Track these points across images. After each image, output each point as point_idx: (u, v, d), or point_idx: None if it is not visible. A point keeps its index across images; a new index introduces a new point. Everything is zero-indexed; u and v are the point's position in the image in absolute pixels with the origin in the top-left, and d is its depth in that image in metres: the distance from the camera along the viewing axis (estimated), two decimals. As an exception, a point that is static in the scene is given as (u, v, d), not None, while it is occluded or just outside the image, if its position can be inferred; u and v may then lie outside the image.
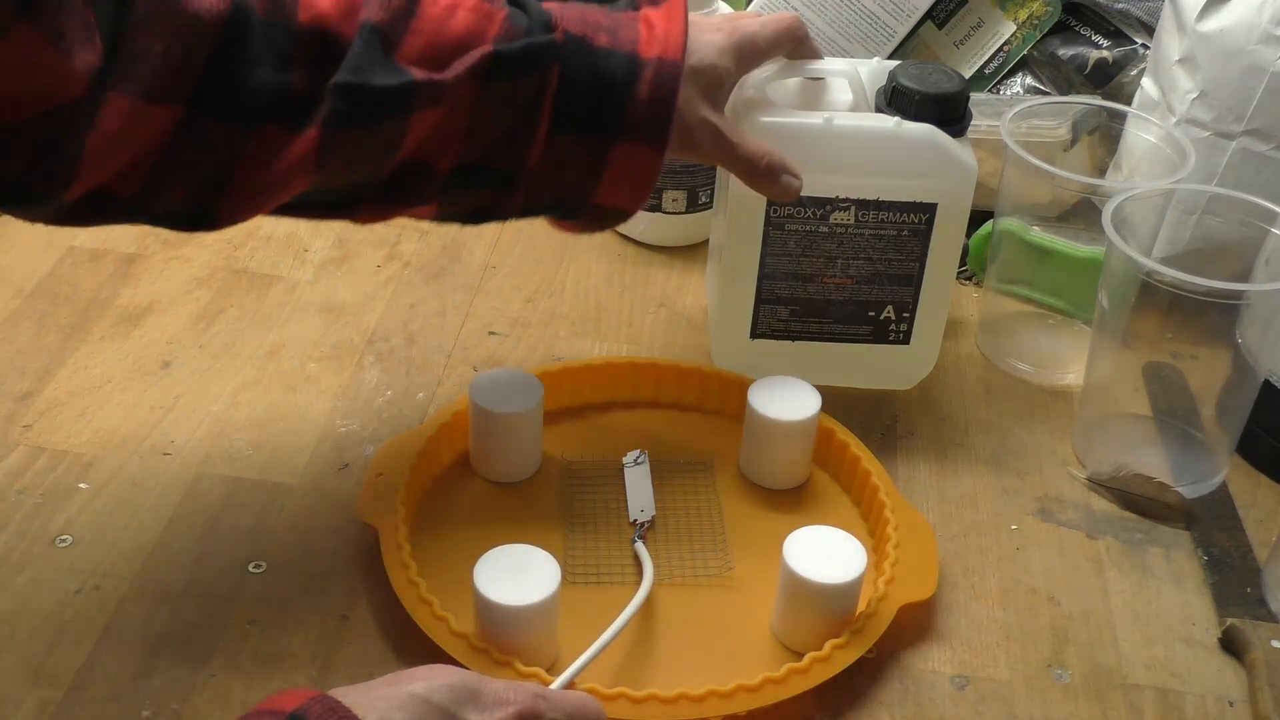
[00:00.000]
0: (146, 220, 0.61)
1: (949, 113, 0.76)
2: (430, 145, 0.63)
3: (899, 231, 0.79)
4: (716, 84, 0.70)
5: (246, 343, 0.86)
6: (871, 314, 0.82)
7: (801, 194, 0.75)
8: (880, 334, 0.83)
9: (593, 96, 0.65)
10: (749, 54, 0.73)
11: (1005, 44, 1.07)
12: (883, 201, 0.78)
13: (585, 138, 0.66)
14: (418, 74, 0.61)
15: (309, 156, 0.60)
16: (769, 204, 0.78)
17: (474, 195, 0.67)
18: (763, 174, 0.72)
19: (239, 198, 0.60)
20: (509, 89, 0.64)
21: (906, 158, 0.77)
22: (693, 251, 0.98)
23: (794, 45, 0.76)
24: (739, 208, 0.79)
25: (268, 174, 0.60)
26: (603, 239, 0.98)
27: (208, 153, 0.59)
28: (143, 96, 0.56)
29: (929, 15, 1.06)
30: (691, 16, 0.70)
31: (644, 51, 0.66)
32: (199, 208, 0.61)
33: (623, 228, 0.97)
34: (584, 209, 0.69)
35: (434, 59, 0.62)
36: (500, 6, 0.65)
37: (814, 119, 0.77)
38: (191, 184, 0.60)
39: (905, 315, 0.82)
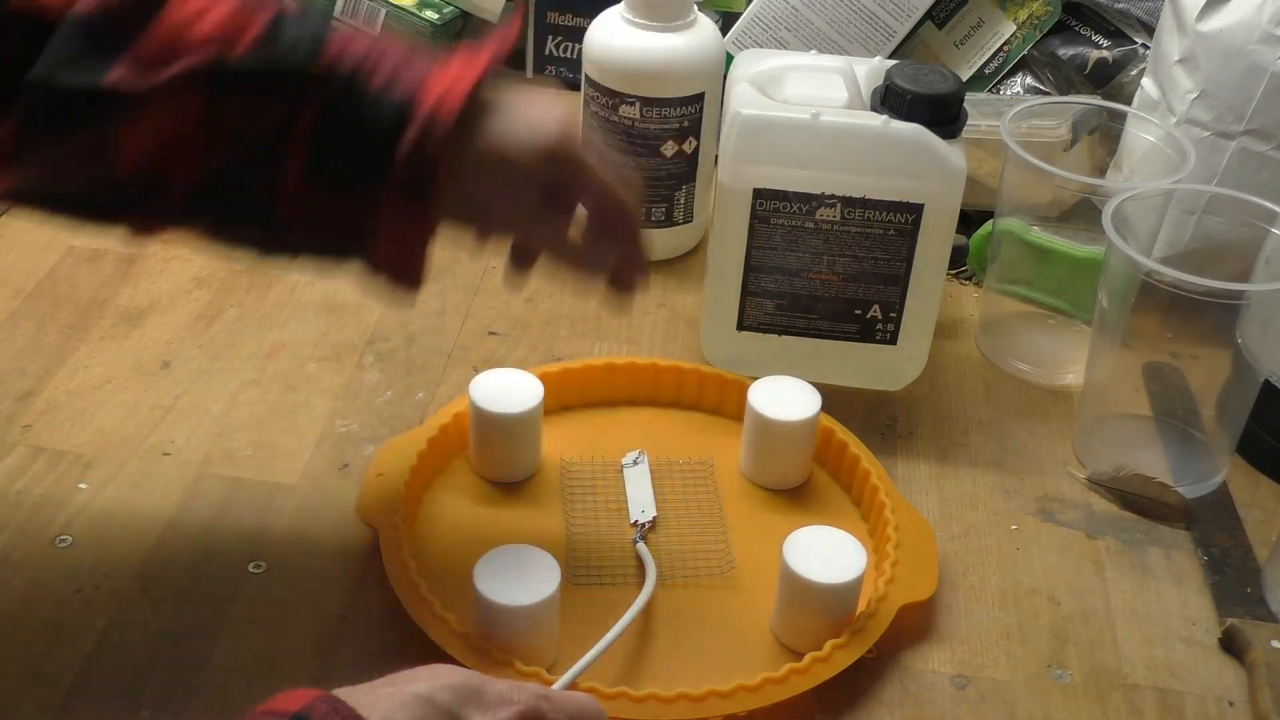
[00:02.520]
0: None
1: (941, 114, 0.76)
2: (158, 156, 0.58)
3: (885, 230, 0.79)
4: (505, 173, 0.62)
5: (246, 343, 0.86)
6: (858, 312, 0.82)
7: (787, 190, 0.76)
8: (867, 333, 0.83)
9: (352, 142, 0.59)
10: (561, 170, 0.63)
11: (1005, 44, 1.07)
12: (869, 200, 0.78)
13: (344, 184, 0.60)
14: (113, 76, 0.56)
15: (4, 152, 0.56)
16: (755, 195, 0.78)
17: (235, 230, 0.63)
18: (545, 229, 0.65)
19: None
20: (245, 108, 0.58)
21: (893, 157, 0.77)
22: (694, 252, 0.98)
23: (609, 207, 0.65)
24: (725, 199, 0.80)
25: None
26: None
27: None
28: None
29: (929, 15, 1.06)
30: (524, 92, 0.63)
31: (420, 101, 0.59)
32: None
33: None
34: (370, 269, 0.63)
35: (159, 66, 0.57)
36: (263, 20, 0.59)
37: (800, 113, 0.77)
38: None
39: (892, 315, 0.82)
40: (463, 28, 1.18)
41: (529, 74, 1.19)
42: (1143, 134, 0.88)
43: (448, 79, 0.60)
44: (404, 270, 0.63)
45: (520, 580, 0.64)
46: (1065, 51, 1.06)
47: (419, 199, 0.60)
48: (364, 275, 0.64)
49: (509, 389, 0.75)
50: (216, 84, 0.57)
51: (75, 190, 0.60)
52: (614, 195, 0.65)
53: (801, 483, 0.78)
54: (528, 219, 0.64)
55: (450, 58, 0.61)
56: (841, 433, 0.78)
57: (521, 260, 0.67)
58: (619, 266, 0.67)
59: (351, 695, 0.50)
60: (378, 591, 0.69)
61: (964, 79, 1.02)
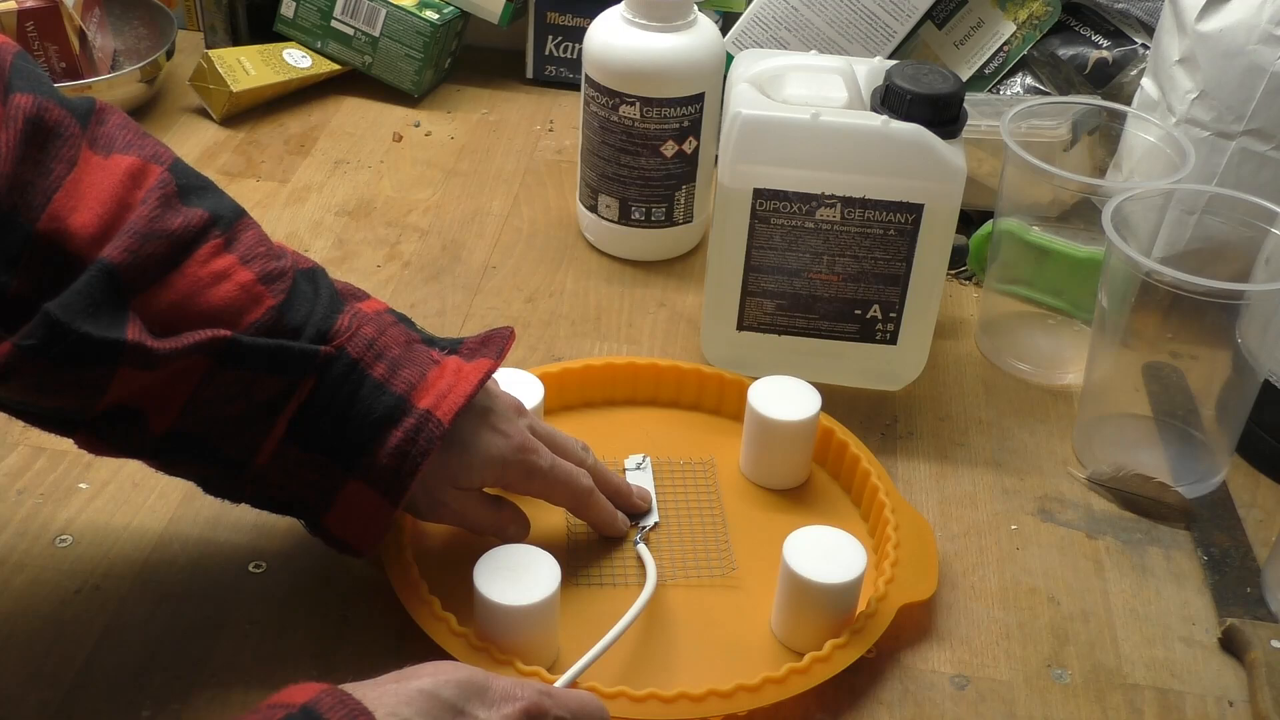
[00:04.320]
0: None
1: (941, 114, 0.76)
2: (141, 401, 0.59)
3: (885, 230, 0.79)
4: (466, 477, 0.66)
5: (246, 343, 0.86)
6: (858, 312, 0.82)
7: (787, 190, 0.77)
8: (867, 333, 0.83)
9: (341, 424, 0.61)
10: (520, 479, 0.67)
11: (1005, 44, 1.07)
12: (869, 200, 0.78)
13: (319, 459, 0.62)
14: (131, 334, 0.56)
15: None
16: (755, 195, 0.78)
17: (195, 468, 0.63)
18: (500, 534, 0.68)
19: None
20: (244, 380, 0.59)
21: (893, 157, 0.77)
22: (694, 252, 0.99)
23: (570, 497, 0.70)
24: (725, 199, 0.80)
25: None
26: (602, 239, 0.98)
27: None
28: None
29: (929, 15, 1.06)
30: (496, 392, 0.67)
31: (417, 398, 0.62)
32: None
33: (593, 240, 0.97)
34: (315, 529, 0.65)
35: (172, 324, 0.58)
36: (278, 293, 0.60)
37: (800, 113, 0.77)
38: None
39: (892, 315, 0.82)
40: (463, 27, 1.18)
41: (529, 74, 1.19)
42: (1143, 134, 0.88)
43: (446, 382, 0.63)
44: (357, 539, 0.65)
45: (520, 580, 0.64)
46: (1065, 51, 1.06)
47: (392, 489, 0.62)
48: (309, 530, 0.66)
49: (509, 389, 0.75)
50: (224, 356, 0.58)
51: (45, 410, 0.60)
52: (562, 491, 0.69)
53: (801, 483, 0.78)
54: (470, 513, 0.68)
55: (447, 359, 0.64)
56: (841, 433, 0.78)
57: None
58: (600, 530, 0.72)
59: (358, 690, 0.50)
60: (378, 591, 0.69)
61: (964, 79, 1.02)
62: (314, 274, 0.64)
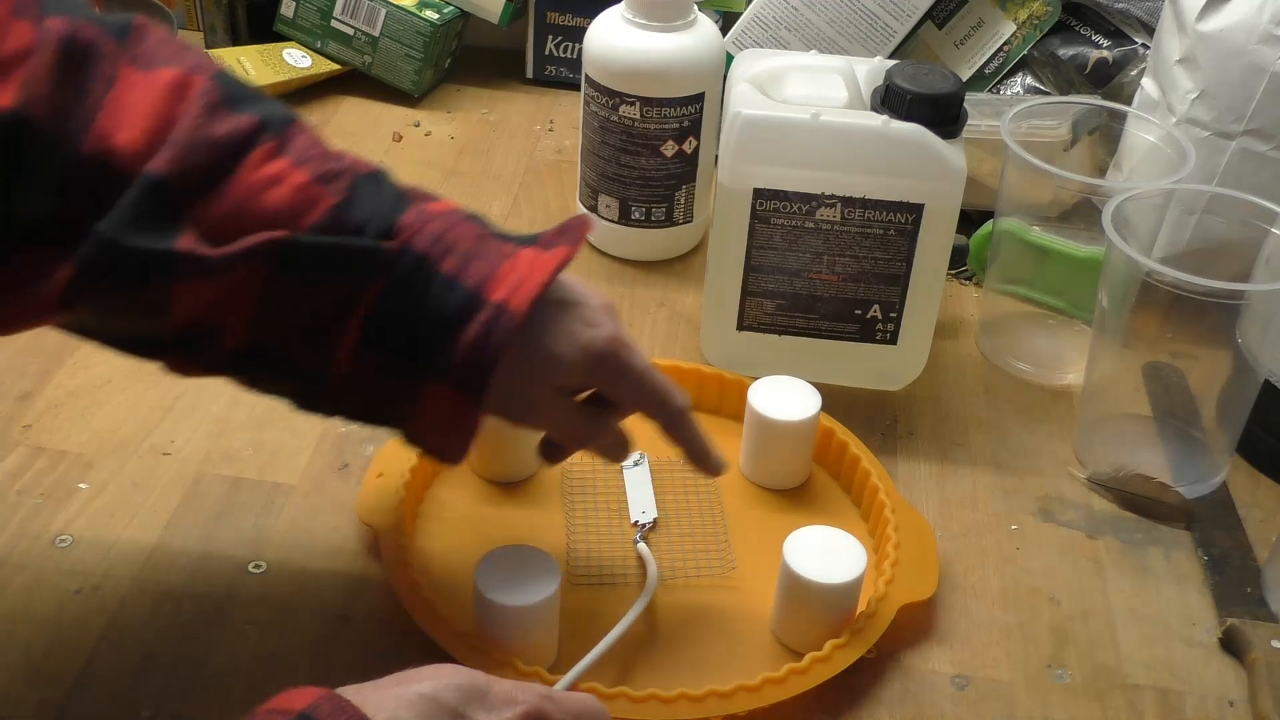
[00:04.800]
0: None
1: (942, 114, 0.76)
2: (210, 317, 0.57)
3: (885, 230, 0.79)
4: (552, 375, 0.62)
5: (246, 343, 0.86)
6: (858, 312, 0.82)
7: (787, 190, 0.76)
8: (867, 333, 0.83)
9: (414, 324, 0.58)
10: (609, 378, 0.64)
11: (1005, 44, 1.07)
12: (869, 200, 0.78)
13: (397, 364, 0.59)
14: (182, 244, 0.55)
15: (56, 296, 0.55)
16: (755, 195, 0.78)
17: (278, 384, 0.62)
18: (594, 445, 0.66)
19: None
20: (308, 285, 0.57)
21: (893, 157, 0.77)
22: (694, 252, 0.99)
23: (661, 413, 0.65)
24: (725, 199, 0.80)
25: (20, 298, 0.55)
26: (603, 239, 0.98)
27: None
28: None
29: (929, 15, 1.06)
30: (577, 285, 0.63)
31: (489, 291, 0.59)
32: None
33: (593, 240, 0.97)
34: (407, 439, 0.62)
35: (227, 231, 0.56)
36: (336, 192, 0.58)
37: (800, 113, 0.77)
38: None
39: (892, 315, 0.82)
40: (463, 27, 1.18)
41: (529, 74, 1.19)
42: (1143, 134, 0.88)
43: (519, 273, 0.59)
44: (445, 449, 0.62)
45: (520, 580, 0.64)
46: (1065, 51, 1.06)
47: (473, 389, 0.59)
48: (404, 441, 0.63)
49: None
50: (284, 259, 0.56)
51: (123, 333, 0.60)
52: (657, 398, 0.65)
53: (801, 483, 0.78)
54: (563, 418, 0.65)
55: (521, 250, 0.61)
56: (841, 433, 0.78)
57: (551, 453, 0.68)
58: (691, 459, 0.67)
59: (356, 694, 0.50)
60: (378, 591, 0.69)
61: (964, 79, 1.02)
62: (376, 176, 0.61)
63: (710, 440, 0.67)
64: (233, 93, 0.58)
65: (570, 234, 0.62)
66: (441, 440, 0.61)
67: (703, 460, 0.67)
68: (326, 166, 0.58)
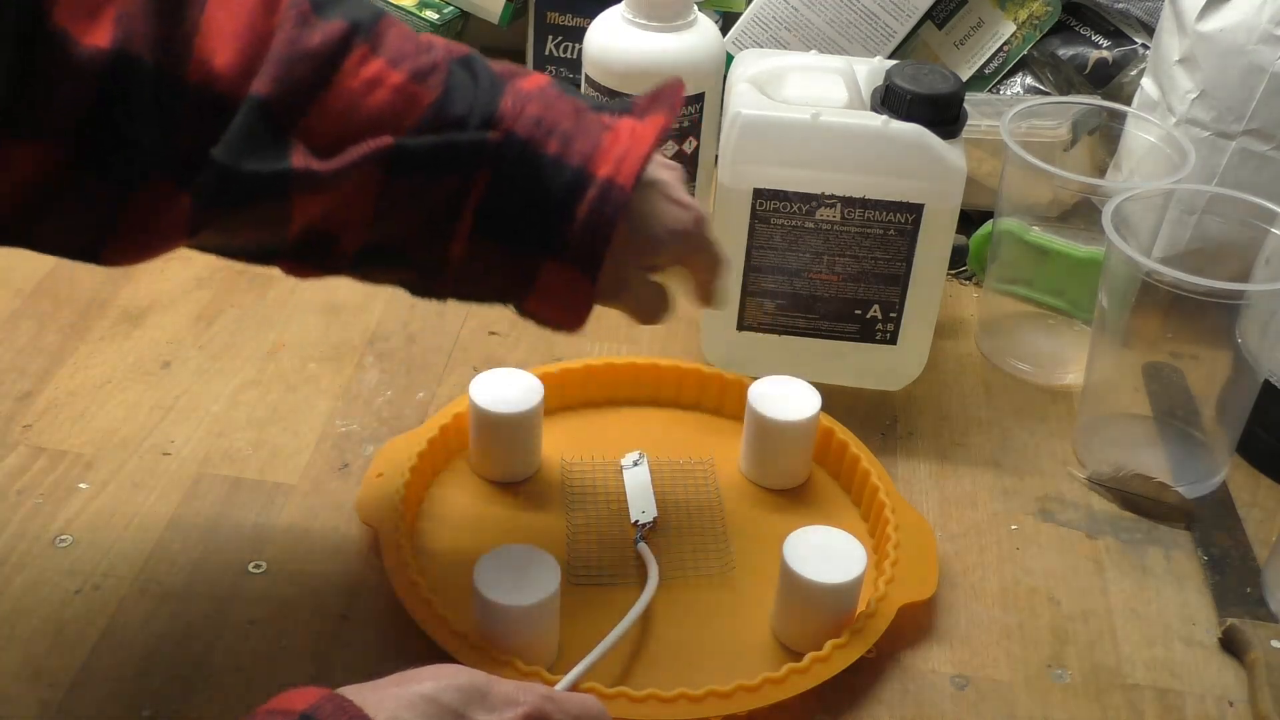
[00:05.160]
0: (37, 249, 0.59)
1: (941, 114, 0.76)
2: (328, 224, 0.59)
3: (885, 230, 0.79)
4: (648, 252, 0.65)
5: (246, 343, 0.86)
6: (858, 312, 0.82)
7: (787, 190, 0.77)
8: (867, 333, 0.83)
9: (526, 208, 0.60)
10: (695, 253, 0.66)
11: (1005, 44, 1.07)
12: (869, 200, 0.78)
13: (512, 248, 0.61)
14: (297, 161, 0.56)
15: (181, 223, 0.56)
16: (755, 195, 0.78)
17: (395, 274, 0.64)
18: (660, 316, 0.68)
19: (123, 245, 0.57)
20: (420, 185, 0.59)
21: (893, 157, 0.77)
22: (693, 251, 0.99)
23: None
24: (725, 199, 0.80)
25: (148, 229, 0.57)
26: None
27: (89, 203, 0.56)
28: (24, 135, 0.53)
29: (929, 15, 1.06)
30: (664, 171, 0.65)
31: (595, 168, 0.60)
32: (85, 248, 0.58)
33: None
34: (523, 314, 0.65)
35: (335, 142, 0.57)
36: (434, 87, 0.59)
37: (800, 113, 0.77)
38: (76, 226, 0.57)
39: (892, 315, 0.82)
40: (463, 28, 1.18)
41: (529, 74, 1.19)
42: (1143, 134, 0.88)
43: (621, 146, 0.61)
44: (562, 320, 0.64)
45: (520, 580, 0.64)
46: (1065, 51, 1.06)
47: (588, 264, 0.61)
48: (518, 313, 0.65)
49: (509, 389, 0.75)
50: (393, 163, 0.58)
51: (243, 246, 0.61)
52: (721, 268, 0.68)
53: (801, 483, 0.78)
54: (648, 294, 0.67)
55: (619, 121, 0.62)
56: (841, 433, 0.78)
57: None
58: (699, 293, 0.70)
59: (358, 694, 0.50)
60: (378, 591, 0.69)
61: (964, 79, 1.02)
62: (469, 61, 0.61)
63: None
64: None
65: (664, 100, 0.64)
66: (559, 314, 0.64)
67: (708, 296, 0.69)
68: (421, 62, 0.59)
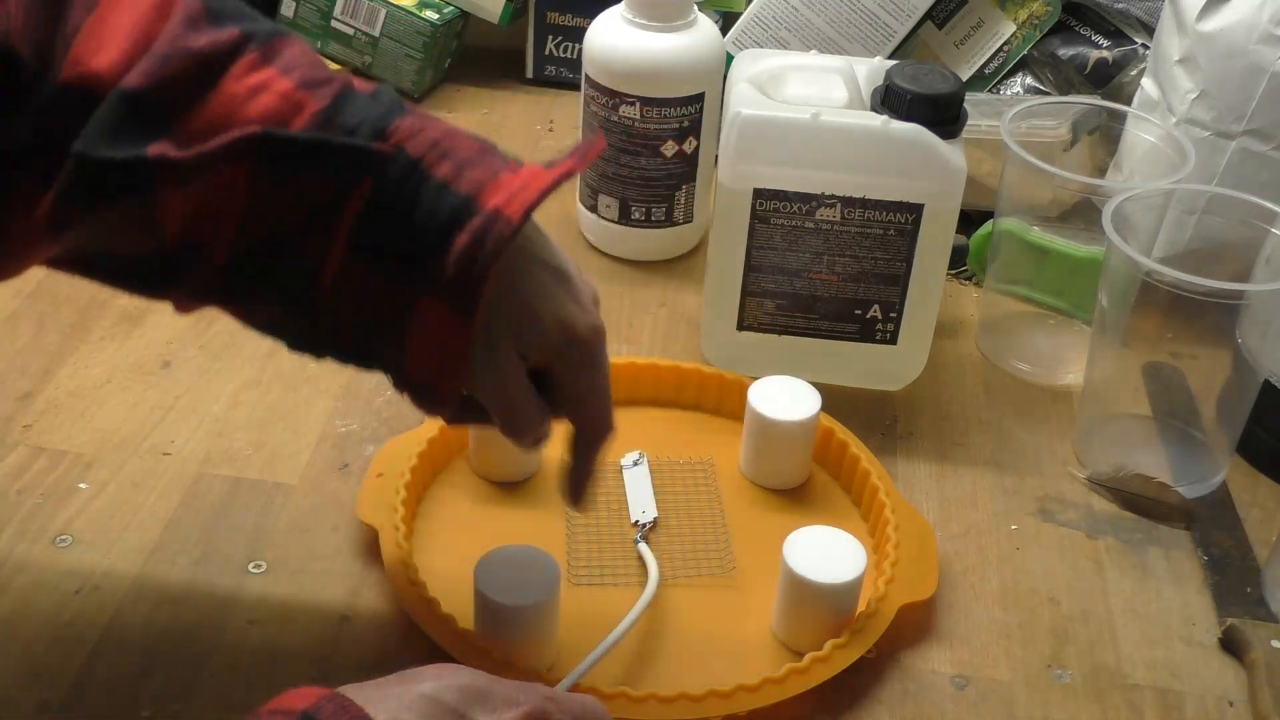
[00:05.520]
0: None
1: (941, 114, 0.76)
2: (198, 226, 0.55)
3: (885, 230, 0.79)
4: (520, 334, 0.58)
5: (246, 343, 0.86)
6: (858, 312, 0.82)
7: (787, 189, 0.77)
8: (867, 333, 0.83)
9: (403, 232, 0.55)
10: (573, 357, 0.60)
11: (1005, 44, 1.07)
12: (869, 200, 0.78)
13: (386, 276, 0.56)
14: (153, 149, 0.53)
15: (45, 223, 0.54)
16: (755, 195, 0.78)
17: (269, 307, 0.58)
18: (520, 440, 0.62)
19: None
20: (290, 183, 0.54)
21: (893, 157, 0.77)
22: (694, 252, 0.98)
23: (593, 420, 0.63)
24: (725, 199, 0.80)
25: (16, 235, 0.55)
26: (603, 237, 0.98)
27: None
28: None
29: (929, 15, 1.06)
30: (562, 254, 0.60)
31: (485, 199, 0.55)
32: None
33: (593, 240, 0.97)
34: (400, 375, 0.59)
35: (207, 139, 0.54)
36: (323, 97, 0.55)
37: (800, 113, 0.77)
38: None
39: (892, 315, 0.82)
40: (463, 27, 1.18)
41: (529, 74, 1.19)
42: (1143, 134, 0.88)
43: (519, 181, 0.56)
44: (436, 382, 0.58)
45: (520, 580, 0.64)
46: (1065, 51, 1.06)
47: (464, 304, 0.55)
48: (394, 386, 0.60)
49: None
50: (266, 154, 0.54)
51: (113, 259, 0.58)
52: (601, 408, 0.63)
53: (801, 483, 0.78)
54: (515, 388, 0.60)
55: (526, 166, 0.58)
56: (841, 433, 0.78)
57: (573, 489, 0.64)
58: (571, 481, 0.64)
59: (359, 693, 0.50)
60: (378, 591, 0.69)
61: (964, 79, 1.02)
62: (376, 89, 0.58)
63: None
64: (219, 8, 0.56)
65: (578, 151, 0.59)
66: (434, 367, 0.57)
67: (576, 487, 0.64)
68: (315, 74, 0.56)
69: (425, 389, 0.59)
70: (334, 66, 0.98)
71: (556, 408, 0.62)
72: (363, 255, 0.56)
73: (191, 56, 0.54)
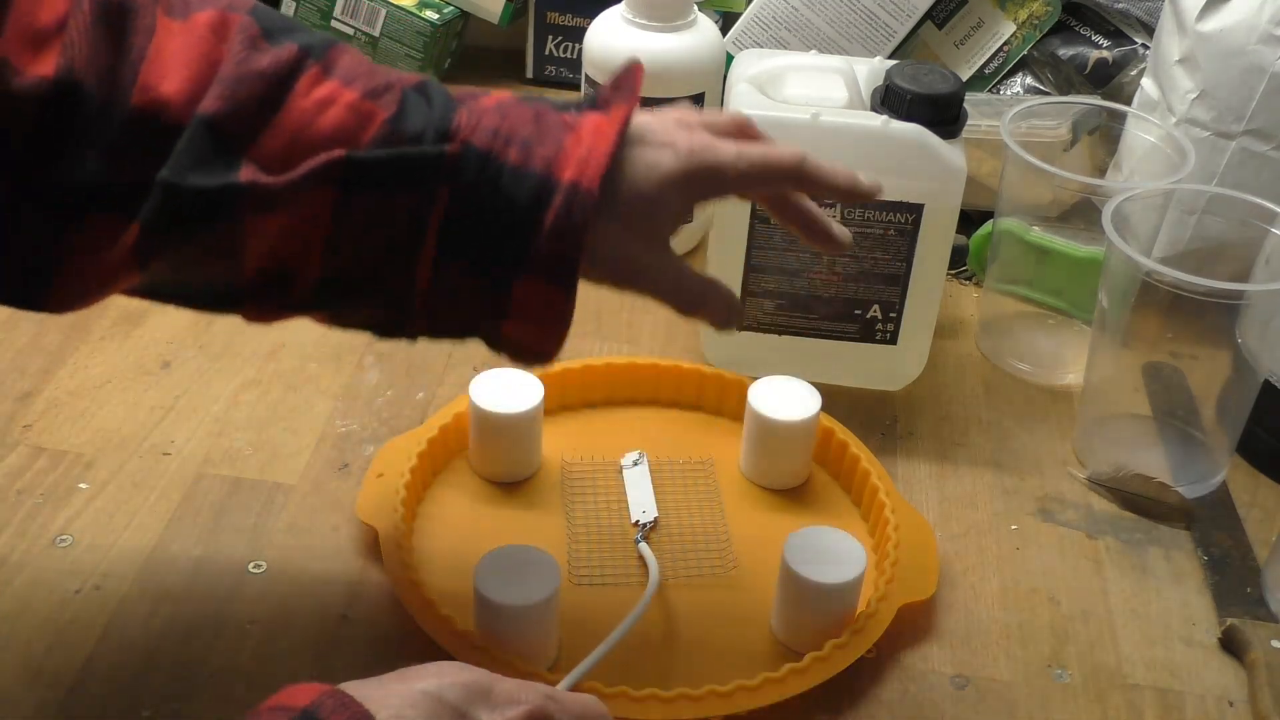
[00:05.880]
0: None
1: (941, 114, 0.76)
2: (285, 252, 0.56)
3: (885, 230, 0.79)
4: (650, 220, 0.60)
5: (246, 343, 0.86)
6: (858, 312, 0.82)
7: None
8: (867, 333, 0.83)
9: (490, 223, 0.57)
10: (706, 184, 0.61)
11: (1005, 44, 1.07)
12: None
13: (480, 267, 0.58)
14: (244, 176, 0.54)
15: (130, 255, 0.54)
16: None
17: (362, 312, 0.60)
18: (705, 311, 0.64)
19: (69, 287, 0.55)
20: (376, 203, 0.56)
21: (893, 157, 0.77)
22: (694, 252, 0.98)
23: (780, 180, 0.63)
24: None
25: (95, 268, 0.55)
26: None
27: (27, 241, 0.54)
28: None
29: (929, 15, 1.06)
30: (641, 120, 0.60)
31: (559, 172, 0.57)
32: (28, 293, 0.56)
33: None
34: (498, 345, 0.61)
35: (286, 160, 0.55)
36: (388, 105, 0.57)
37: (800, 114, 0.77)
38: (16, 269, 0.55)
39: (892, 315, 0.82)
40: (463, 27, 1.18)
41: (529, 74, 1.19)
42: (1143, 134, 0.88)
43: (584, 147, 0.57)
44: (537, 347, 0.60)
45: (520, 580, 0.64)
46: (1065, 51, 1.06)
47: (562, 276, 0.57)
48: (491, 349, 0.61)
49: (509, 389, 0.75)
50: (347, 179, 0.55)
51: (199, 287, 0.59)
52: (773, 164, 0.62)
53: (801, 483, 0.78)
54: (673, 276, 0.62)
55: (581, 119, 0.59)
56: (841, 433, 0.78)
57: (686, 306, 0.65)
58: (832, 192, 0.65)
59: (360, 690, 0.50)
60: (378, 591, 0.69)
61: (964, 79, 1.02)
62: (424, 85, 0.59)
63: (837, 167, 0.64)
64: (271, 25, 0.57)
65: (626, 88, 0.60)
66: (538, 337, 0.59)
67: (848, 180, 0.64)
68: (374, 82, 0.58)
69: (528, 351, 0.60)
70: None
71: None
72: (454, 253, 0.57)
73: (261, 78, 0.55)
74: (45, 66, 0.52)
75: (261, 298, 0.58)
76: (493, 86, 1.21)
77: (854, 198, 0.65)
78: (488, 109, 0.58)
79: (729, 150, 0.61)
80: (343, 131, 0.56)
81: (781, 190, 0.64)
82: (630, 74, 0.61)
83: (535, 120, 0.58)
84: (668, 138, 0.60)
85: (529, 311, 0.58)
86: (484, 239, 0.57)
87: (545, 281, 0.57)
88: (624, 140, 0.59)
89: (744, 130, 0.64)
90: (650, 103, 0.89)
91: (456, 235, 0.57)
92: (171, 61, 0.55)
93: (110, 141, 0.54)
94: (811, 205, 0.65)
